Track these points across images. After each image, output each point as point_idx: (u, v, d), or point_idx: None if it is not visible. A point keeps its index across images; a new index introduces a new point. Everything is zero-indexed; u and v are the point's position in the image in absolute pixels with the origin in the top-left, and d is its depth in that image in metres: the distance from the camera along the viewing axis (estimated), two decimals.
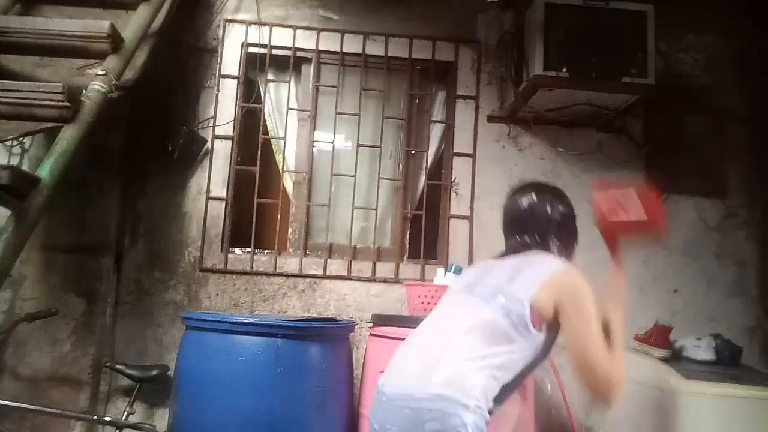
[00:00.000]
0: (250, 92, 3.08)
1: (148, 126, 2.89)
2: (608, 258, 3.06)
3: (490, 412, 1.46)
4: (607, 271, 3.02)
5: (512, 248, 1.73)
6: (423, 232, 3.04)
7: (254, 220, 2.94)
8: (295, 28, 3.07)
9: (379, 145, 3.07)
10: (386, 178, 3.09)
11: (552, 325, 1.54)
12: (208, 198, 2.94)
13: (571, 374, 2.93)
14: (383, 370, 2.25)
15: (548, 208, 1.73)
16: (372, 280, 2.95)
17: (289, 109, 3.07)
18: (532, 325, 1.50)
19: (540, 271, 1.56)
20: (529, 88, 2.76)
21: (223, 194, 2.96)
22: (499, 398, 1.49)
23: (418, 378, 1.48)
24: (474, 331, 1.52)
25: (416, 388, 1.46)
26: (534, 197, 1.75)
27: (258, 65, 3.07)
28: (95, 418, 2.57)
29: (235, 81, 3.03)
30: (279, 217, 2.99)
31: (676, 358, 2.48)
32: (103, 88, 2.08)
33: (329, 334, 2.29)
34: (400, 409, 1.46)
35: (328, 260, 2.96)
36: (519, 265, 1.62)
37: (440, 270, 2.74)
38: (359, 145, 3.07)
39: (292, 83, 3.09)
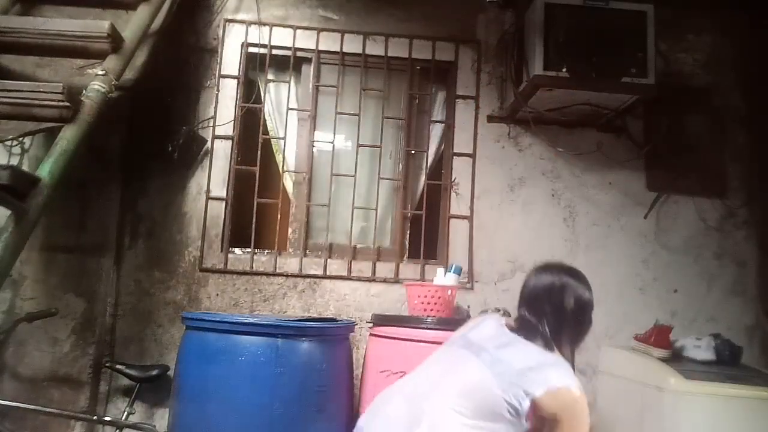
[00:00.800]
0: (250, 92, 3.08)
1: (148, 126, 2.89)
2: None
3: None
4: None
5: (526, 327, 1.69)
6: (423, 232, 3.04)
7: (254, 220, 2.94)
8: (295, 28, 3.07)
9: (379, 145, 3.07)
10: (386, 178, 3.09)
11: (539, 424, 1.54)
12: (208, 198, 2.94)
13: None
14: (383, 370, 2.28)
15: (567, 295, 1.70)
16: (372, 280, 2.95)
17: (289, 109, 3.07)
18: (525, 416, 1.51)
19: (554, 379, 1.54)
20: (529, 88, 2.76)
21: (223, 194, 2.96)
22: None
23: (403, 428, 1.50)
24: (469, 396, 1.53)
25: None
26: (556, 279, 1.72)
27: (258, 65, 3.07)
28: (95, 418, 2.58)
29: (235, 81, 3.03)
30: (279, 217, 2.99)
31: (676, 358, 2.48)
32: (103, 88, 2.08)
33: (329, 334, 2.29)
34: None
35: (328, 260, 2.96)
36: (535, 360, 1.59)
37: (440, 270, 2.74)
38: (359, 145, 3.07)
39: (292, 83, 3.09)
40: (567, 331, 1.68)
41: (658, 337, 2.52)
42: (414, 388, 1.63)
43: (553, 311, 1.68)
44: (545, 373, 1.54)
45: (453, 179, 3.07)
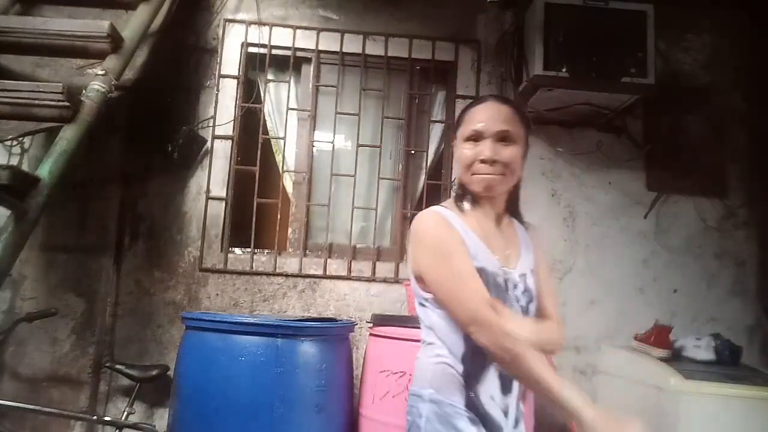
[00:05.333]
0: (250, 92, 3.08)
1: (148, 126, 2.89)
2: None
3: (473, 394, 1.39)
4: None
5: None
6: None
7: (254, 220, 2.94)
8: (295, 28, 3.07)
9: (379, 145, 3.07)
10: (386, 178, 3.09)
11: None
12: (208, 198, 2.94)
13: (571, 374, 2.94)
14: (383, 370, 2.28)
15: None
16: (372, 280, 2.95)
17: (289, 109, 3.07)
18: (426, 294, 1.45)
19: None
20: (529, 88, 2.76)
21: (223, 194, 2.96)
22: (473, 379, 1.41)
23: None
24: (423, 324, 1.51)
25: None
26: None
27: (258, 65, 3.07)
28: (95, 418, 2.58)
29: (235, 81, 3.03)
30: (279, 217, 2.99)
31: (676, 358, 2.47)
32: (103, 88, 2.09)
33: (329, 334, 2.29)
34: None
35: (328, 260, 2.96)
36: None
37: None
38: (359, 145, 3.07)
39: (292, 83, 3.09)
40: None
41: (658, 337, 2.52)
42: None
43: None
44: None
45: (453, 179, 3.07)
